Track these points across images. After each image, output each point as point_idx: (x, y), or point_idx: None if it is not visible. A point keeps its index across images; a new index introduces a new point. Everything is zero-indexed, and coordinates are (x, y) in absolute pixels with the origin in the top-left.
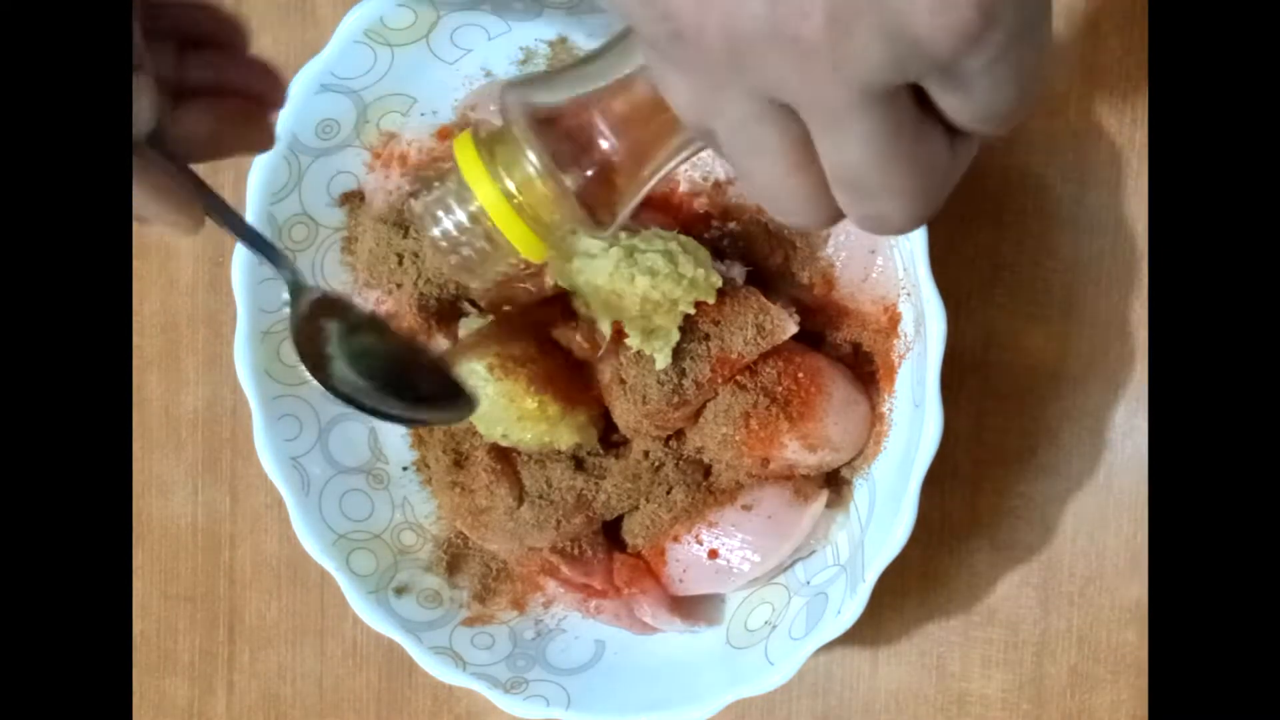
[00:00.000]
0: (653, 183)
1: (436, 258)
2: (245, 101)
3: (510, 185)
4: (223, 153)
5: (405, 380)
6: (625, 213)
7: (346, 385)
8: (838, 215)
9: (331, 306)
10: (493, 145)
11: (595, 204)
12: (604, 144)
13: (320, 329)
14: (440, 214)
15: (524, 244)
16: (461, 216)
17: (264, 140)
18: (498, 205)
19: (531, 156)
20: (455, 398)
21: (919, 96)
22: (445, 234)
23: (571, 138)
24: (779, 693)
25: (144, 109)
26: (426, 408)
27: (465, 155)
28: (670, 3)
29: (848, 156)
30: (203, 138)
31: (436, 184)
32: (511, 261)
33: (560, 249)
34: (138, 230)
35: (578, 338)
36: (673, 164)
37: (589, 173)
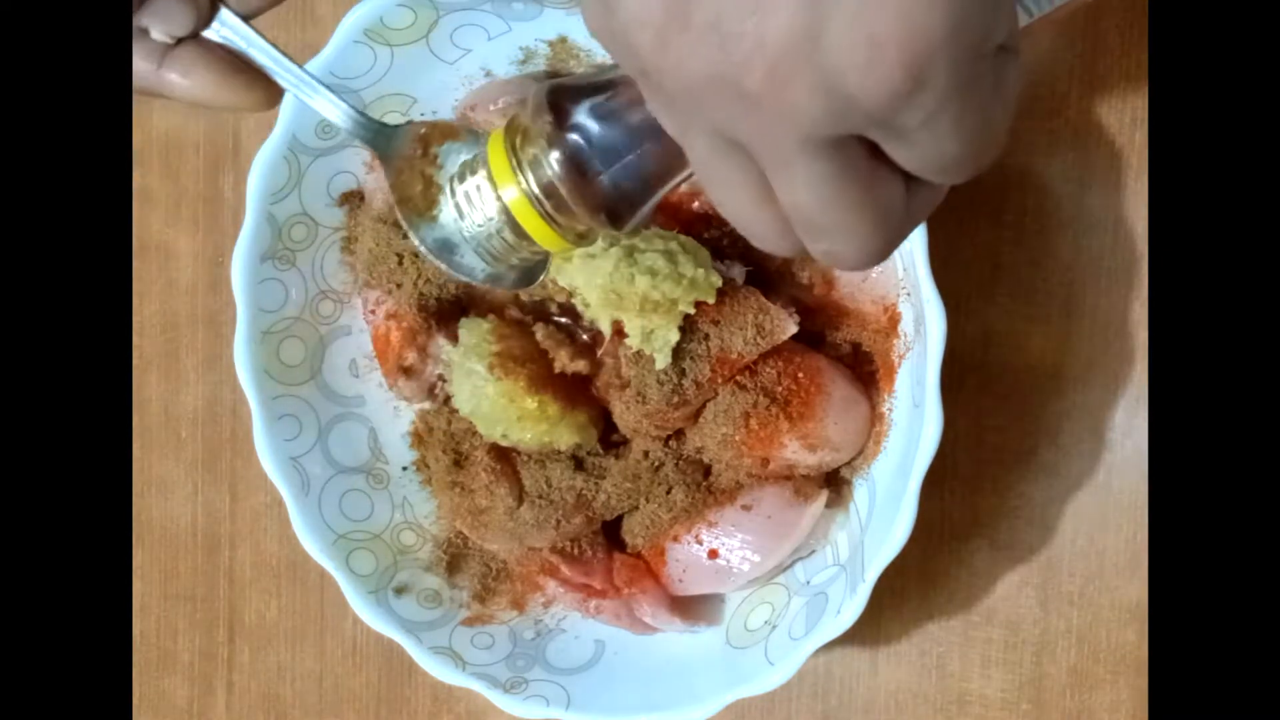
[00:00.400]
0: (668, 187)
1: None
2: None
3: (532, 181)
4: (220, 99)
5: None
6: (641, 214)
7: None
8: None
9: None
10: (522, 142)
11: (613, 205)
12: (626, 147)
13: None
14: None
15: (541, 235)
16: (491, 209)
17: (267, 96)
18: (518, 201)
19: (553, 157)
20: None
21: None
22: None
23: (596, 139)
24: (779, 693)
25: (180, 20)
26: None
27: (494, 151)
28: (634, 43)
29: (797, 198)
30: (196, 80)
31: (469, 174)
32: (533, 250)
33: (578, 244)
34: (138, 229)
35: (562, 352)
36: (687, 172)
37: (609, 174)
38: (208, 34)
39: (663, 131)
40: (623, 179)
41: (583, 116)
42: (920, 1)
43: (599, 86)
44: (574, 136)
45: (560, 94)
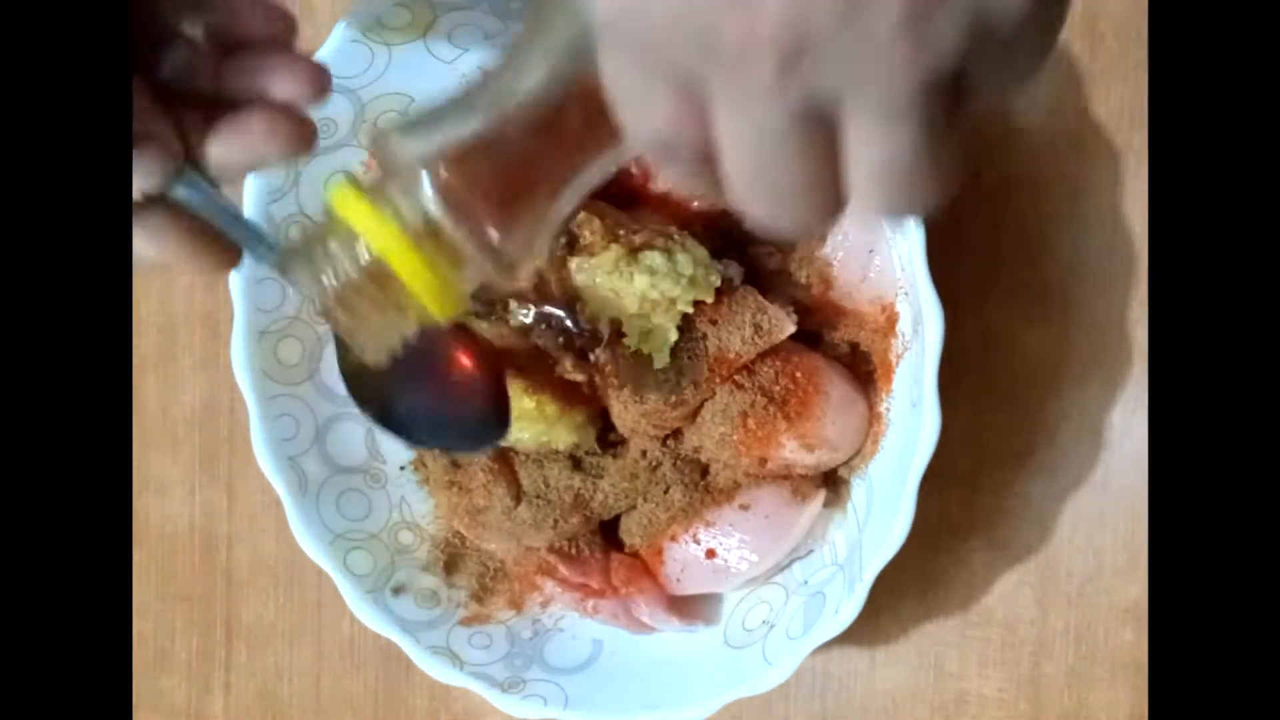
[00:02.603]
0: (566, 214)
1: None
2: (282, 111)
3: (405, 215)
4: (260, 167)
5: (446, 396)
6: (539, 247)
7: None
8: (835, 213)
9: None
10: (380, 194)
11: (506, 246)
12: (512, 176)
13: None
14: (330, 271)
15: (428, 293)
16: (354, 272)
17: (304, 146)
18: (402, 253)
19: (432, 205)
20: (489, 425)
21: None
22: (336, 292)
23: (476, 176)
24: (776, 692)
25: (155, 172)
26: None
27: (344, 201)
28: (714, 22)
29: (898, 148)
30: (235, 164)
31: (328, 241)
32: (398, 305)
33: (465, 300)
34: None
35: (566, 362)
36: (584, 192)
37: (496, 214)
38: (174, 193)
39: (566, 142)
40: (515, 209)
41: (460, 147)
42: None
43: (453, 103)
44: (453, 172)
45: (409, 124)
